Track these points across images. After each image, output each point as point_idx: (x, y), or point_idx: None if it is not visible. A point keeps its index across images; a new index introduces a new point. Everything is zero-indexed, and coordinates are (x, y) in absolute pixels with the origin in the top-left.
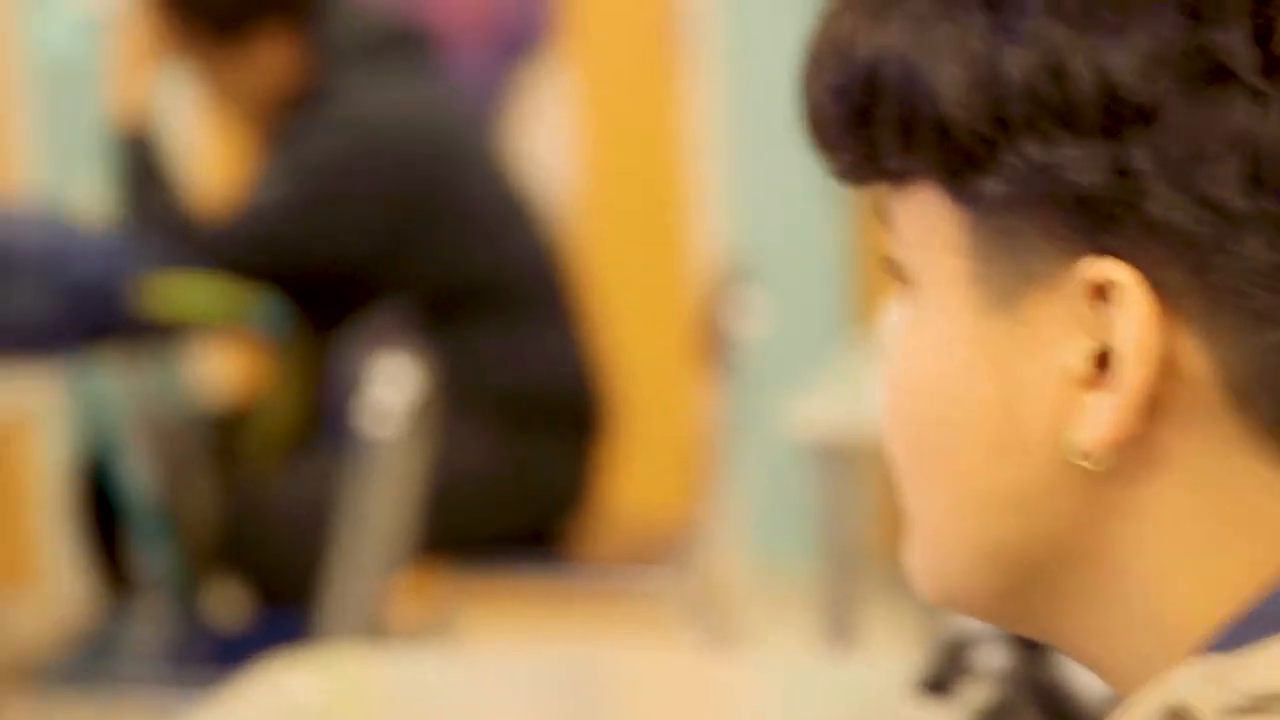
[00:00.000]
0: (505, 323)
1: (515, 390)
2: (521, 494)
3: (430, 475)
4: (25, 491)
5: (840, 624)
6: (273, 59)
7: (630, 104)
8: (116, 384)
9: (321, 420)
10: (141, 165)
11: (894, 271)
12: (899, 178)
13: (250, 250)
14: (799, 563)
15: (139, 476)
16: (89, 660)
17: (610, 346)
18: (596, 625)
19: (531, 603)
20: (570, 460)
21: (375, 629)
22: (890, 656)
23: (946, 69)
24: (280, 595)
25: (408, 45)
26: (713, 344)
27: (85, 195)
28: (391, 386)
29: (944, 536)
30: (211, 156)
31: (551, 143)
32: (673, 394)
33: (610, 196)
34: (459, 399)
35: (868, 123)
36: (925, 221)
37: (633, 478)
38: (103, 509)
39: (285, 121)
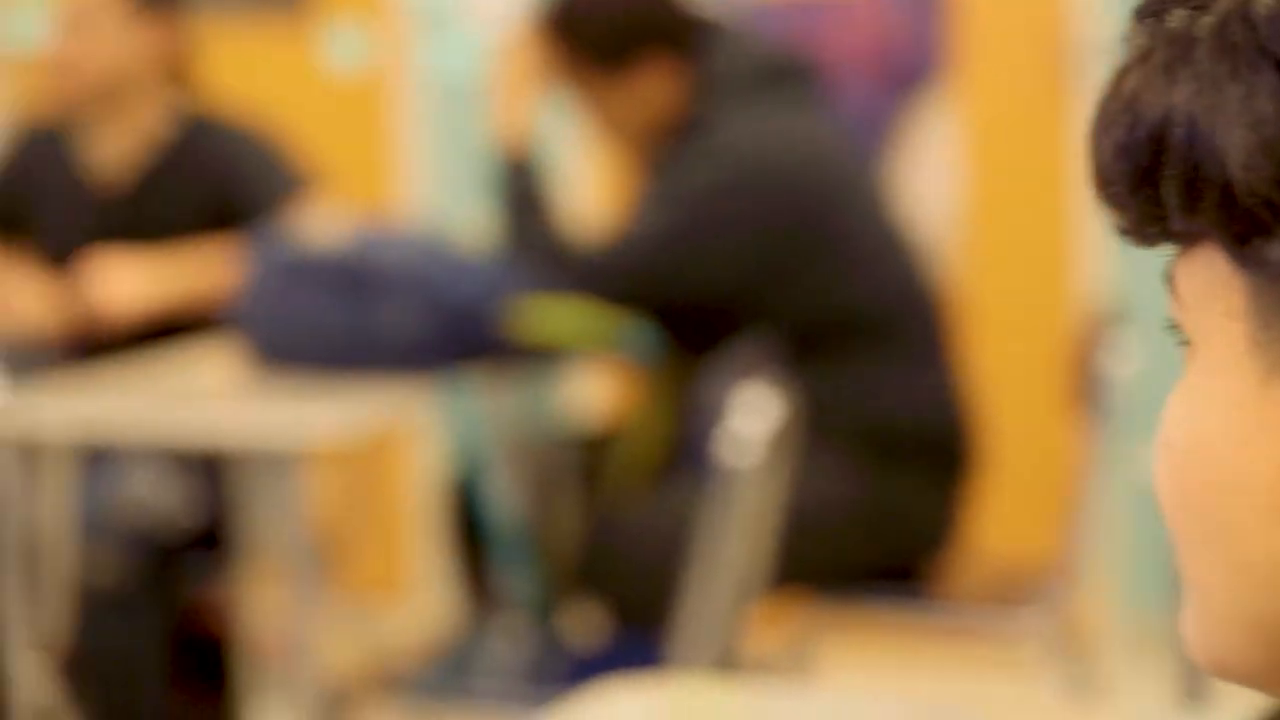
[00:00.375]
0: (876, 355)
1: (882, 423)
2: (884, 528)
3: (791, 506)
4: (400, 503)
5: (1198, 678)
6: (655, 89)
7: (1017, 139)
8: (487, 404)
9: (685, 447)
10: (521, 190)
11: (1178, 334)
12: (1183, 239)
13: (625, 277)
14: (1163, 610)
15: (505, 496)
16: (449, 672)
17: (982, 383)
18: (954, 664)
19: (889, 638)
20: (935, 496)
21: (729, 658)
22: (1244, 713)
23: (1235, 131)
24: (637, 618)
25: (792, 76)
26: (1085, 384)
27: (468, 217)
28: (753, 416)
29: (1219, 604)
30: (591, 183)
31: (936, 176)
32: (1043, 433)
33: (991, 232)
34: (824, 430)
35: (1153, 182)
36: (1207, 284)
37: (999, 516)
38: (470, 526)
39: (665, 151)
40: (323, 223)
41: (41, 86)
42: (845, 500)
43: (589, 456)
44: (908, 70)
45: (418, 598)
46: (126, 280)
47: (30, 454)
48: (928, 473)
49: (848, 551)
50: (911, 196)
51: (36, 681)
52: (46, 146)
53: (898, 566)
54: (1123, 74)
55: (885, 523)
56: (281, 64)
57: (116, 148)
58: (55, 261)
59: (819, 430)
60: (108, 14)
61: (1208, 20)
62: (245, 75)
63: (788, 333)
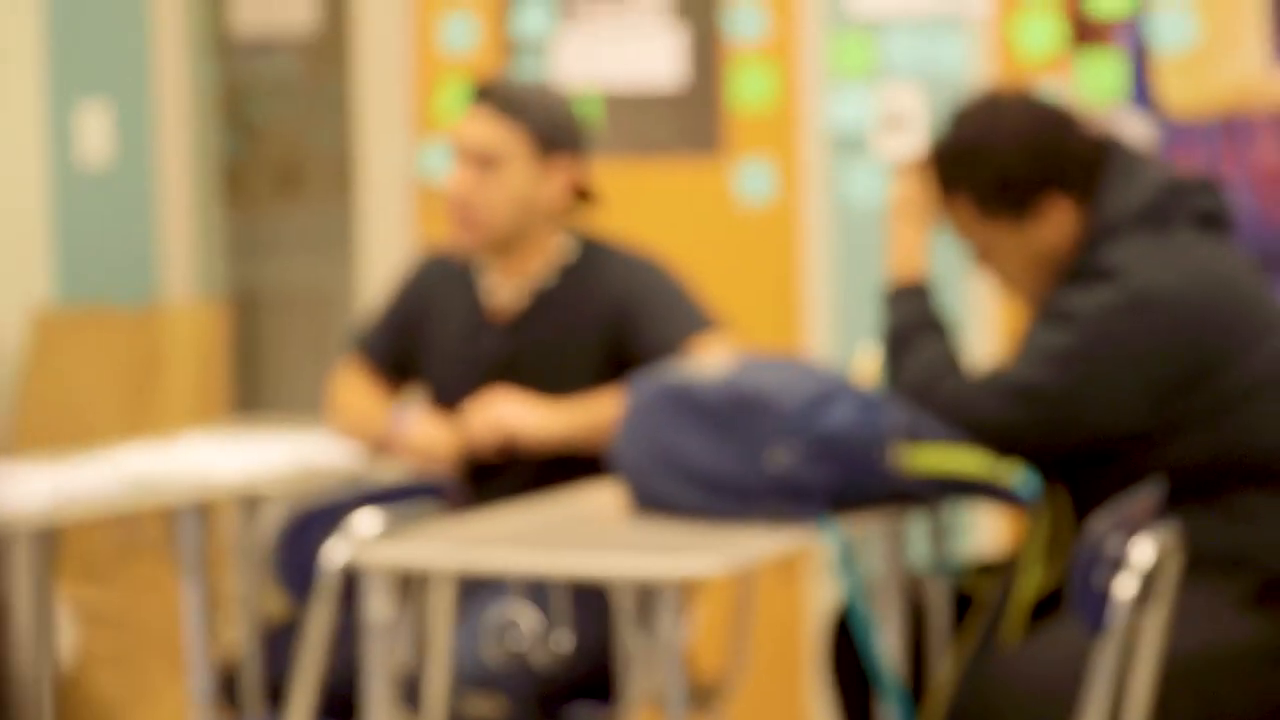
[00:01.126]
0: (1262, 494)
1: (1265, 563)
2: (1270, 672)
3: (1173, 652)
4: (784, 641)
5: None
6: (1051, 230)
7: None
8: (871, 540)
9: (1067, 594)
10: (914, 320)
11: None
12: None
13: (1011, 406)
14: None
15: (886, 636)
16: None
17: None
18: None
19: None
20: None
21: None
22: None
23: None
24: None
25: (1191, 201)
26: None
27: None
28: (1139, 562)
29: None
30: (985, 321)
31: None
32: None
33: None
34: (1218, 574)
35: None
36: None
37: None
38: (852, 666)
39: (1059, 289)
40: (715, 360)
41: (448, 220)
42: (1237, 645)
43: (972, 597)
44: None
45: None
46: (522, 412)
47: (411, 583)
48: None
49: (1241, 698)
50: None
51: None
52: (446, 271)
53: None
54: None
55: (1271, 667)
56: (695, 198)
57: (516, 276)
58: (446, 387)
59: (1212, 573)
60: (517, 156)
61: None
62: (659, 211)
63: (1188, 472)
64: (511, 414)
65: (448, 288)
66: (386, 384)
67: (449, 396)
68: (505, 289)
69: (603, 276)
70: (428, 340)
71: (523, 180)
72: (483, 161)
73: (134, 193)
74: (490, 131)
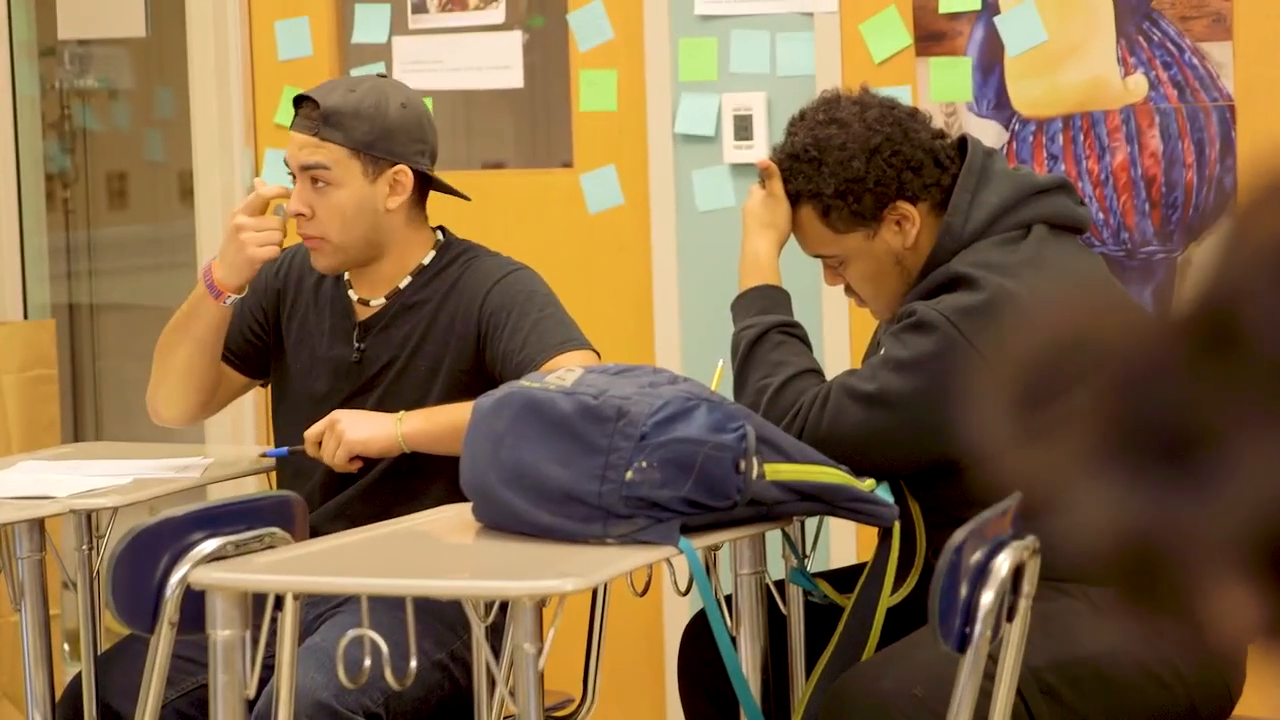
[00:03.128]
0: None
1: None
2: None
3: (1042, 663)
4: (655, 648)
5: None
6: (903, 238)
7: None
8: (728, 552)
9: (930, 604)
10: (764, 326)
11: None
12: None
13: (865, 415)
14: None
15: (745, 649)
16: None
17: None
18: None
19: None
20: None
21: None
22: None
23: None
24: None
25: (1044, 206)
26: None
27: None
28: (999, 575)
29: None
30: (838, 331)
31: None
32: None
33: None
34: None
35: None
36: None
37: None
38: (710, 676)
39: (912, 297)
40: (566, 371)
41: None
42: (1088, 654)
43: (821, 609)
44: (1171, 192)
45: None
46: (364, 426)
47: (258, 604)
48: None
49: (1097, 708)
50: None
51: None
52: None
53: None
54: None
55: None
56: (546, 203)
57: (376, 279)
58: (301, 379)
59: (1057, 583)
60: (346, 170)
61: None
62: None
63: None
64: (353, 430)
65: (309, 283)
66: (230, 369)
67: (303, 392)
68: (364, 290)
69: (463, 282)
70: (285, 333)
71: (357, 193)
72: (313, 179)
73: None
74: (313, 148)
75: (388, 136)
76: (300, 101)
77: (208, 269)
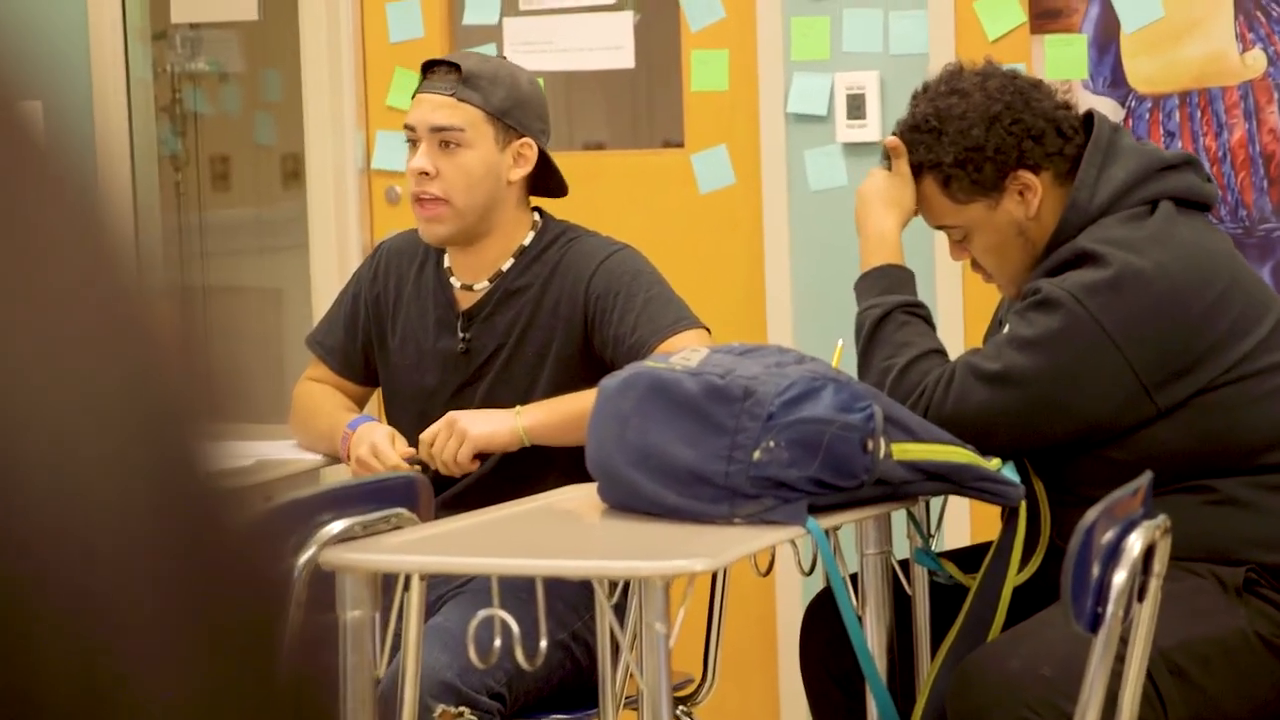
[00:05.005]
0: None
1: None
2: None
3: (1173, 644)
4: (776, 627)
5: None
6: (1027, 209)
7: None
8: (854, 531)
9: (1062, 584)
10: (889, 306)
11: None
12: None
13: (992, 394)
14: None
15: (870, 628)
16: None
17: None
18: None
19: None
20: None
21: None
22: None
23: None
24: None
25: (1171, 182)
26: None
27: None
28: (1131, 555)
29: None
30: (959, 309)
31: None
32: None
33: None
34: (1206, 565)
35: None
36: None
37: None
38: (833, 657)
39: (1038, 273)
40: (690, 352)
41: (414, 209)
42: (1219, 635)
43: (947, 589)
44: None
45: None
46: (483, 423)
47: (385, 585)
48: None
49: (1226, 688)
50: None
51: None
52: (405, 260)
53: None
54: None
55: (1262, 657)
56: (656, 183)
57: (479, 262)
58: (410, 379)
59: (1187, 563)
60: (479, 134)
61: None
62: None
63: (1162, 460)
64: (475, 427)
65: (408, 277)
66: (349, 383)
67: (412, 388)
68: (466, 275)
69: (565, 264)
70: (389, 333)
71: (486, 158)
72: (443, 142)
73: None
74: (450, 109)
75: (521, 107)
76: (432, 66)
77: (347, 436)
